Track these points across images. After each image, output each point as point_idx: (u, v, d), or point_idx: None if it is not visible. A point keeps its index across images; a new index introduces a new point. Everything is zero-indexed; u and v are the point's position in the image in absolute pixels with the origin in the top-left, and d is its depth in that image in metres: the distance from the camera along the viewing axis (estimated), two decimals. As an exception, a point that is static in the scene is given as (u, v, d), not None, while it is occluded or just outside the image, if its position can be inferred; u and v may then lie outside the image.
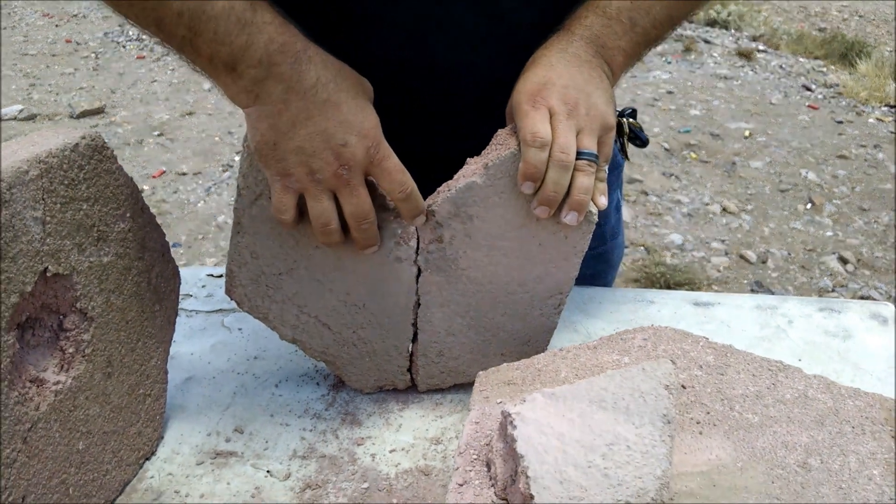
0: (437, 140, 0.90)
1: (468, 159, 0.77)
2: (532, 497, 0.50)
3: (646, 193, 3.38)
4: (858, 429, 0.63)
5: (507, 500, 0.57)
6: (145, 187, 3.58)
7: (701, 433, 0.63)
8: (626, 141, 1.12)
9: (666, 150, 3.83)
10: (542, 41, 0.79)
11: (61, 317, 0.67)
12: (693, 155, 3.79)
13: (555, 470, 0.52)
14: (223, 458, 0.80)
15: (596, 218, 0.75)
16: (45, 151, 0.61)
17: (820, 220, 3.15)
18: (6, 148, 0.61)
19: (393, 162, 0.71)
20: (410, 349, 0.84)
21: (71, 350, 0.67)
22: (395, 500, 0.73)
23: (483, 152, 0.76)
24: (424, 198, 0.77)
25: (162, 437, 0.82)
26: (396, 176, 0.71)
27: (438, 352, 0.83)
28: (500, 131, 0.76)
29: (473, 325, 0.82)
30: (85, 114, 4.51)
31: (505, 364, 0.76)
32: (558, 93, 0.72)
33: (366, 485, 0.76)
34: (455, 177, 0.76)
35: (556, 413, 0.57)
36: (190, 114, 4.50)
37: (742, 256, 2.85)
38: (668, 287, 2.58)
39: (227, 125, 4.37)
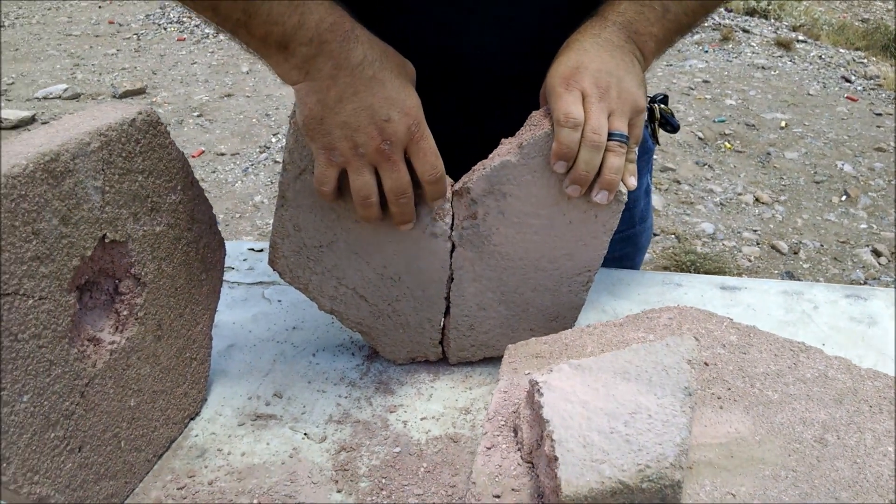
0: (470, 123, 0.93)
1: (503, 140, 0.79)
2: (556, 458, 0.53)
3: (678, 182, 3.37)
4: (876, 408, 0.65)
5: (532, 463, 0.60)
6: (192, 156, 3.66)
7: (721, 408, 0.66)
8: (656, 126, 1.14)
9: (700, 139, 3.81)
10: (571, 26, 0.81)
11: (117, 281, 0.71)
12: (727, 145, 3.76)
13: (578, 434, 0.55)
14: (263, 420, 0.84)
15: (625, 198, 0.78)
16: (106, 125, 0.65)
17: (854, 212, 3.12)
18: (69, 120, 0.66)
19: (430, 143, 0.74)
20: (442, 322, 0.88)
21: (125, 312, 0.72)
22: (424, 465, 0.77)
23: (517, 133, 0.79)
24: (455, 179, 0.80)
25: (206, 399, 0.87)
26: (430, 158, 0.74)
27: (469, 325, 0.86)
28: (534, 113, 0.79)
29: (504, 299, 0.85)
30: (127, 94, 4.61)
31: (533, 338, 0.79)
32: (591, 76, 0.74)
33: (397, 449, 0.79)
34: (490, 156, 0.79)
35: (582, 382, 0.60)
36: (228, 95, 4.57)
37: (773, 247, 2.84)
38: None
39: (265, 107, 4.43)
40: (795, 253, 2.80)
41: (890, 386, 0.67)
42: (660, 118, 1.15)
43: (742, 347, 0.73)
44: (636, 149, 0.79)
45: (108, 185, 0.66)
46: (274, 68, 0.72)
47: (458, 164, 0.81)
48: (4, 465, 0.58)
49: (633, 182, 0.78)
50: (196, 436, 0.82)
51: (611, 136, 0.74)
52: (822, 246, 2.85)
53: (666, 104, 1.17)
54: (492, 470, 0.61)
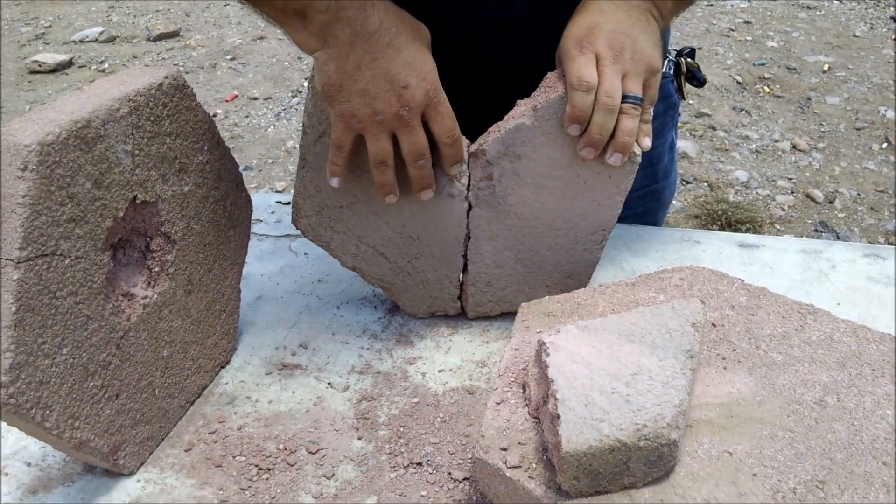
0: (487, 91, 0.94)
1: (518, 101, 0.81)
2: (559, 416, 0.56)
3: (713, 128, 3.31)
4: (878, 371, 0.66)
5: (538, 419, 0.63)
6: (218, 111, 3.69)
7: (725, 368, 0.68)
8: (683, 81, 1.13)
9: (738, 83, 3.72)
10: None
11: (148, 239, 0.75)
12: (766, 89, 3.67)
13: (581, 394, 0.58)
14: (289, 369, 0.88)
15: (639, 159, 0.79)
16: (134, 91, 0.68)
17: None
18: (98, 87, 0.68)
19: (447, 107, 0.76)
20: (461, 279, 0.90)
21: (156, 269, 0.76)
22: (441, 415, 0.81)
23: (532, 95, 0.80)
24: (471, 141, 0.82)
25: (235, 349, 0.91)
26: (447, 121, 0.76)
27: (487, 282, 0.89)
28: (549, 74, 0.80)
29: (520, 258, 0.87)
30: (161, 37, 4.63)
31: (546, 297, 0.81)
32: (605, 37, 0.75)
33: (416, 399, 0.83)
34: (505, 118, 0.80)
35: (587, 343, 0.63)
36: (261, 38, 4.56)
37: (809, 196, 2.80)
38: (729, 225, 2.56)
39: (297, 50, 4.39)
40: (831, 202, 2.75)
41: (894, 350, 0.68)
42: (686, 72, 1.14)
43: (751, 309, 0.74)
44: (651, 109, 0.79)
45: (137, 149, 0.69)
46: (292, 36, 0.74)
47: (473, 128, 0.82)
48: (47, 412, 0.63)
49: (647, 143, 0.78)
50: (226, 383, 0.87)
51: (625, 98, 0.75)
52: (858, 195, 2.80)
53: (693, 58, 1.15)
54: (500, 424, 0.64)
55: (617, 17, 0.76)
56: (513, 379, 0.68)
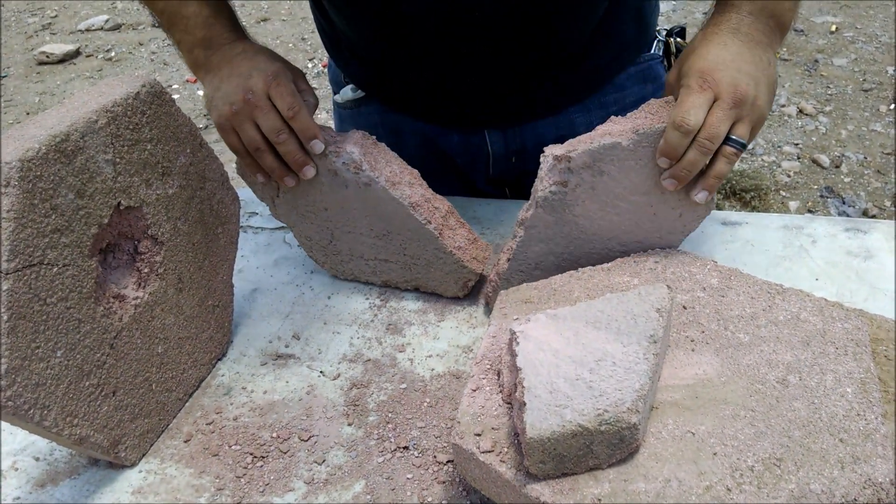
0: (468, 73, 0.97)
1: (612, 117, 0.81)
2: (524, 404, 0.59)
3: (719, 95, 3.28)
4: (842, 350, 0.68)
5: (511, 405, 0.66)
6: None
7: (693, 350, 0.70)
8: (673, 60, 1.13)
9: (744, 47, 3.67)
10: None
11: (136, 242, 0.77)
12: (773, 52, 3.62)
13: (547, 381, 0.60)
14: (283, 359, 0.92)
15: (714, 206, 0.80)
16: (111, 101, 0.71)
17: (902, 121, 3.02)
18: (76, 99, 0.71)
19: (287, 88, 0.84)
20: (495, 268, 0.92)
21: (146, 270, 0.79)
22: (428, 399, 0.84)
23: (631, 115, 0.80)
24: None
25: (231, 341, 0.95)
26: (287, 98, 0.84)
27: (520, 281, 0.89)
28: (652, 101, 0.80)
29: (561, 265, 0.88)
30: (163, 21, 4.63)
31: (525, 284, 0.83)
32: (730, 80, 0.74)
33: (404, 385, 0.86)
34: (596, 130, 0.80)
35: (555, 331, 0.65)
36: (265, 20, 4.57)
37: (815, 161, 2.78)
38: (734, 194, 2.56)
39: (301, 31, 4.42)
40: (837, 167, 2.74)
41: (859, 328, 0.70)
42: (676, 52, 1.14)
43: (721, 290, 0.76)
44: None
45: (118, 157, 0.72)
46: (187, 65, 0.93)
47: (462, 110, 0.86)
48: (45, 411, 0.66)
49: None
50: (223, 375, 0.90)
51: (730, 140, 0.74)
52: (865, 158, 2.77)
53: (683, 37, 1.15)
54: (475, 410, 0.67)
55: (743, 57, 0.75)
56: (489, 366, 0.71)
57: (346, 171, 0.87)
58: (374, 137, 0.90)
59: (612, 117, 0.81)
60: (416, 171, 0.91)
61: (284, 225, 1.15)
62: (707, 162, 0.76)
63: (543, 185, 0.82)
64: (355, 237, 0.94)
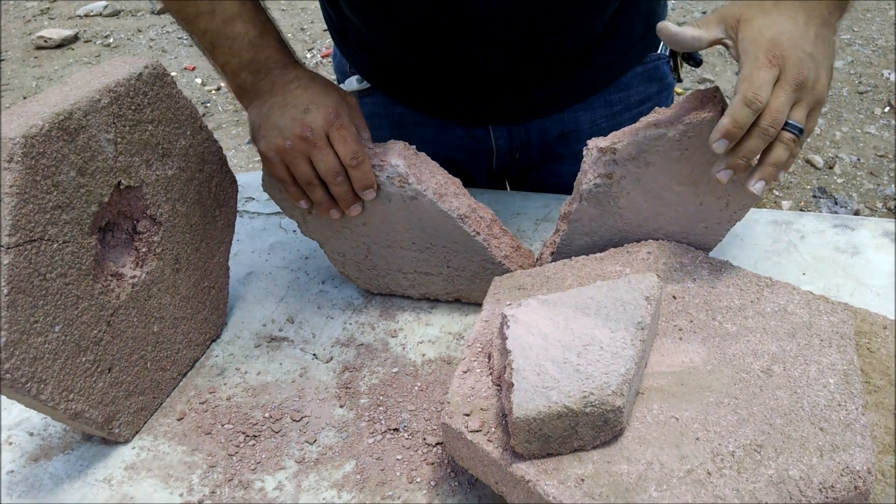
0: (476, 70, 0.99)
1: (657, 108, 0.79)
2: (512, 384, 0.60)
3: (716, 94, 3.29)
4: (826, 342, 0.69)
5: (500, 386, 0.67)
6: (221, 85, 3.70)
7: (681, 339, 0.71)
8: (679, 61, 1.14)
9: (742, 48, 3.68)
10: None
11: (135, 222, 0.79)
12: (771, 53, 3.63)
13: (535, 364, 0.62)
14: (277, 342, 0.93)
15: (761, 196, 0.76)
16: (114, 81, 0.72)
17: (897, 124, 3.03)
18: (80, 78, 0.72)
19: (350, 131, 0.82)
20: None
21: (144, 249, 0.80)
22: (418, 383, 0.85)
23: (676, 104, 0.78)
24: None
25: (226, 323, 0.96)
26: (351, 144, 0.82)
27: None
28: (695, 91, 0.78)
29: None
30: (165, 10, 4.63)
31: (519, 271, 0.84)
32: (796, 59, 0.68)
33: (395, 369, 0.87)
34: (642, 121, 0.78)
35: (546, 316, 0.66)
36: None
37: (808, 161, 2.80)
38: (728, 192, 2.57)
39: (300, 21, 4.42)
40: (830, 167, 2.76)
41: (844, 321, 0.71)
42: (682, 53, 1.14)
43: (711, 282, 0.78)
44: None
45: (119, 137, 0.73)
46: (230, 89, 0.89)
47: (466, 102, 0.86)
48: (42, 385, 0.67)
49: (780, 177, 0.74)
50: (217, 356, 0.91)
51: (787, 125, 0.69)
52: (858, 160, 2.79)
53: None
54: (465, 392, 0.68)
55: (809, 36, 0.70)
56: (480, 349, 0.72)
57: (391, 185, 0.84)
58: (414, 147, 0.87)
59: (657, 108, 0.79)
60: (458, 181, 0.88)
61: (280, 211, 1.17)
62: (762, 149, 0.70)
63: (588, 177, 0.81)
64: (394, 251, 0.91)
